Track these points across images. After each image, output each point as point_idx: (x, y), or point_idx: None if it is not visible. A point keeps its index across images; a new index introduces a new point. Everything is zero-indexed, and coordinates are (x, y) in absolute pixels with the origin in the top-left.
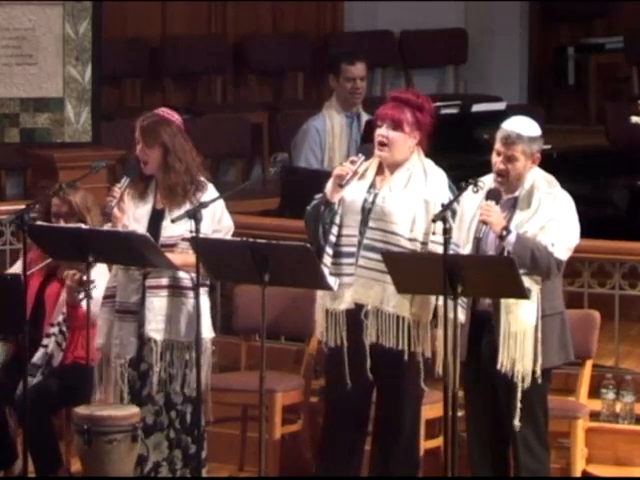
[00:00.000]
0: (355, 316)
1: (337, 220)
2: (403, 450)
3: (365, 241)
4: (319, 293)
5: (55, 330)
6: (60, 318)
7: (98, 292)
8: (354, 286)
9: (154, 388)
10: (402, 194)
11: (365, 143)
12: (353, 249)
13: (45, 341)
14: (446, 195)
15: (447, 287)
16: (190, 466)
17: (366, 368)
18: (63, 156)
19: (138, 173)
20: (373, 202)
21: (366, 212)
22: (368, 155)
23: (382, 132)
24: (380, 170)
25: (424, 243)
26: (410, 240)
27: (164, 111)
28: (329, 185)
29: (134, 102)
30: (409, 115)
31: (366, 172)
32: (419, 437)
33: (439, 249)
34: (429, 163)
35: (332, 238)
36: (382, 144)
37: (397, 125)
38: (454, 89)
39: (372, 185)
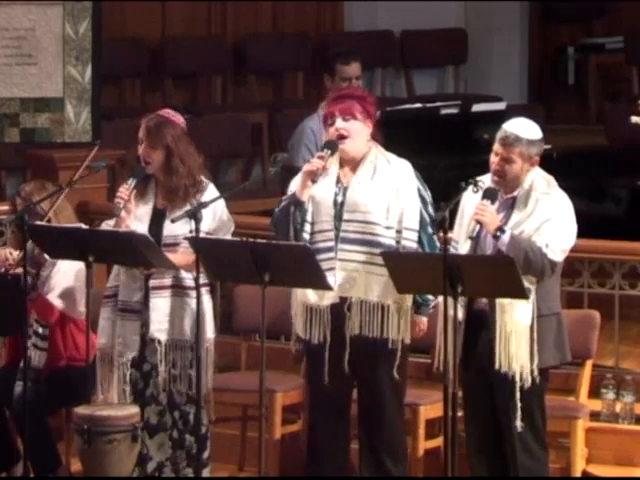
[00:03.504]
0: (339, 310)
1: (309, 218)
2: (390, 441)
3: (342, 234)
4: (298, 290)
5: (30, 331)
6: (32, 319)
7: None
8: (337, 280)
9: (159, 388)
10: (371, 184)
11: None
12: (330, 244)
13: (28, 343)
14: (414, 181)
15: (447, 287)
16: (193, 466)
17: (345, 361)
18: (63, 156)
19: (144, 175)
20: (344, 195)
21: (338, 206)
22: (334, 150)
23: (338, 125)
24: (341, 166)
25: (399, 231)
26: (387, 228)
27: (169, 113)
28: (298, 183)
29: (134, 102)
30: (357, 105)
31: (329, 169)
32: (404, 426)
33: (413, 236)
34: (390, 154)
35: (306, 236)
36: (342, 137)
37: (349, 115)
38: (454, 89)
39: (338, 180)
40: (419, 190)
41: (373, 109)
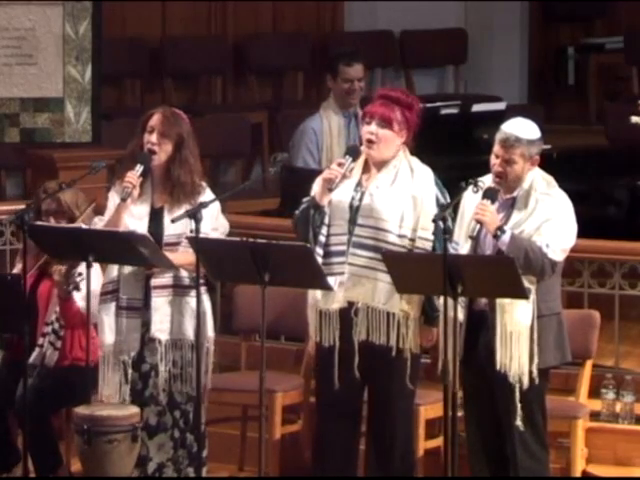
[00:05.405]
0: (347, 314)
1: (326, 220)
2: (398, 450)
3: (354, 239)
4: (310, 293)
5: (48, 329)
6: (53, 317)
7: (91, 286)
8: (345, 284)
9: (159, 388)
10: (389, 191)
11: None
12: (343, 247)
13: (40, 340)
14: (433, 191)
15: (447, 287)
16: (193, 465)
17: (355, 367)
18: (63, 156)
19: (151, 163)
20: (360, 200)
21: (354, 210)
22: (355, 156)
23: (371, 129)
24: (366, 168)
25: (412, 239)
26: (399, 236)
27: (179, 111)
28: (318, 189)
29: (134, 102)
30: (398, 114)
31: (352, 171)
32: (414, 435)
33: (427, 245)
34: (415, 160)
35: (322, 238)
36: (370, 142)
37: (386, 123)
38: (454, 89)
39: (359, 183)
40: (437, 199)
41: (415, 119)
